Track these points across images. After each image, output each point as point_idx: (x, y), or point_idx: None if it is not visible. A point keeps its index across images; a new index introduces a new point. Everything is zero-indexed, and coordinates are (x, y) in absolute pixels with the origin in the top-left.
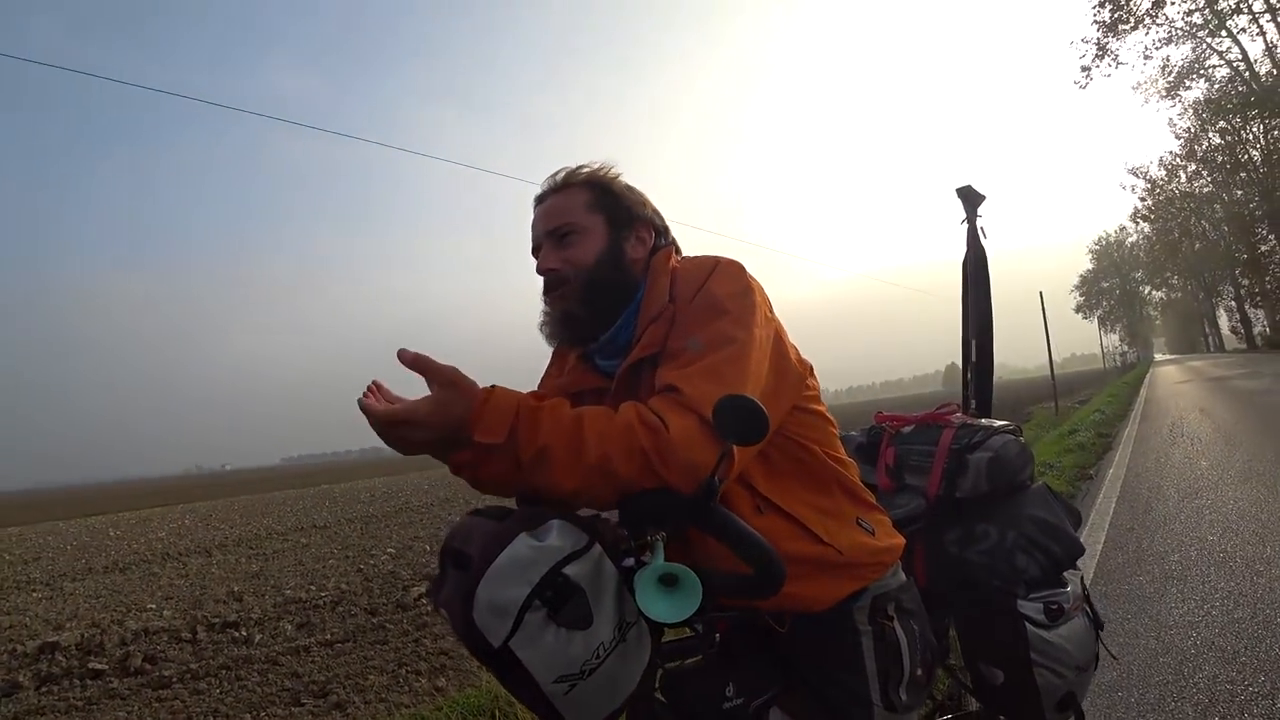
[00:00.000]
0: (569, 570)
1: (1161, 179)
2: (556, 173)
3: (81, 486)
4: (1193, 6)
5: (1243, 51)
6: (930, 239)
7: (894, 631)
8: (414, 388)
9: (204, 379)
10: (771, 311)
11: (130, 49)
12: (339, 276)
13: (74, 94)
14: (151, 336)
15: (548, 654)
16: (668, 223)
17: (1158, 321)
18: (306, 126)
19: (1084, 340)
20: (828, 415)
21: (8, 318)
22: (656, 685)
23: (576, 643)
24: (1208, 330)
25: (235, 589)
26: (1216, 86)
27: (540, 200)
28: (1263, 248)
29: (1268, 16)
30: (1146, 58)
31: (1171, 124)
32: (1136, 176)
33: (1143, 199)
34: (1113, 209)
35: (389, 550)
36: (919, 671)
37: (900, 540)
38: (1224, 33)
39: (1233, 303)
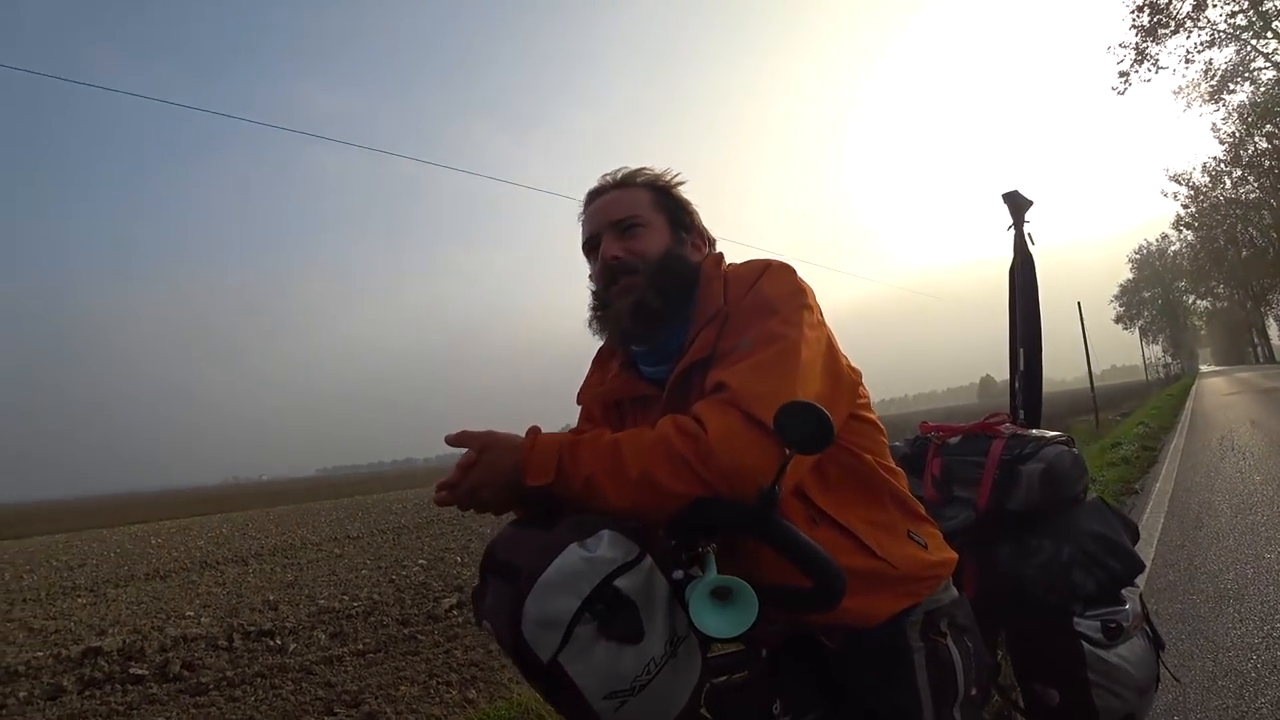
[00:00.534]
0: (620, 583)
1: (1205, 185)
2: (616, 171)
3: (126, 495)
4: (1236, 8)
5: None
6: (962, 245)
7: (947, 649)
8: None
9: (242, 392)
10: (823, 316)
11: (176, 72)
12: (375, 291)
13: (131, 117)
14: (193, 352)
15: (598, 669)
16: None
17: (1202, 332)
18: (353, 145)
19: (1124, 351)
20: (879, 424)
21: (55, 337)
22: (702, 702)
23: (627, 657)
24: (1256, 340)
25: (270, 598)
26: (1262, 89)
27: (598, 194)
28: None
29: None
30: (1188, 62)
31: (1215, 129)
32: (1179, 184)
33: (1185, 206)
34: (1151, 209)
35: (420, 561)
36: (973, 691)
37: (953, 555)
38: (1270, 34)
39: None
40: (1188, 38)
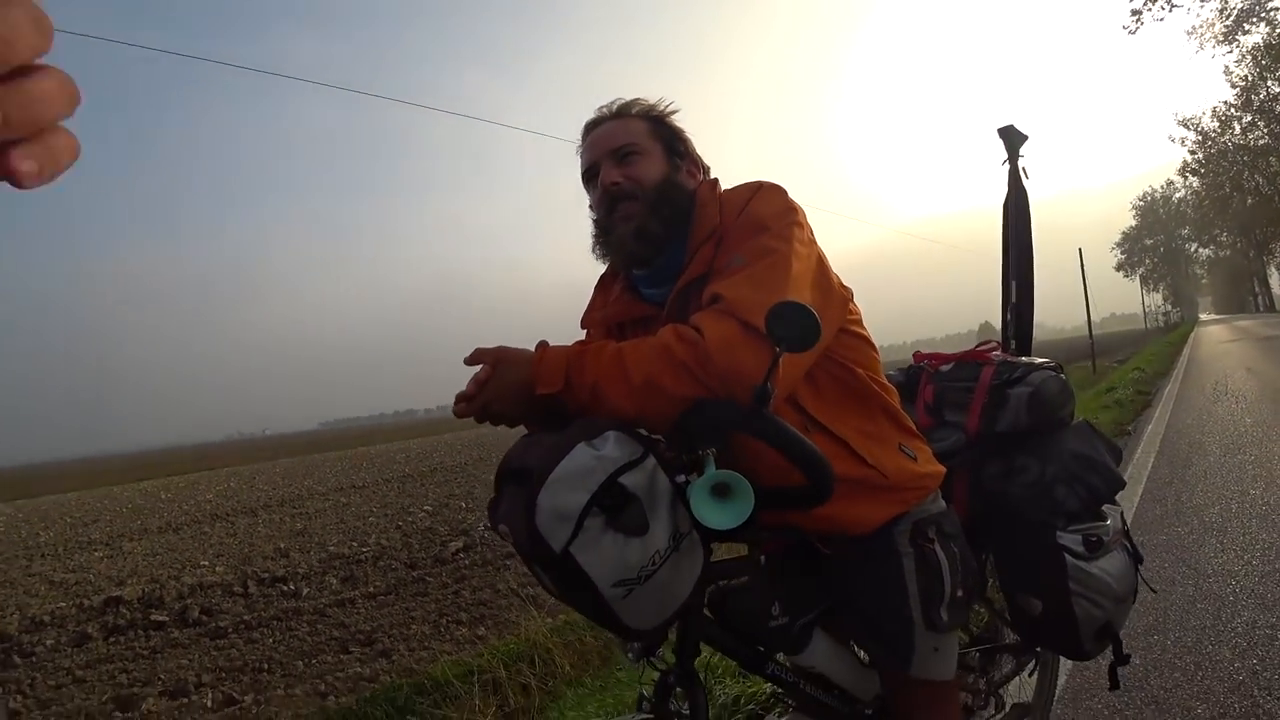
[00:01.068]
0: (625, 479)
1: (1214, 130)
2: (611, 102)
3: (131, 454)
4: None
5: None
6: (957, 194)
7: (935, 553)
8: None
9: (240, 347)
10: (813, 236)
11: (152, 26)
12: (370, 244)
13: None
14: (190, 310)
15: (607, 558)
16: None
17: (1204, 281)
18: (343, 89)
19: (1124, 300)
20: (870, 339)
21: (48, 295)
22: (705, 602)
23: (634, 549)
24: (1258, 289)
25: (282, 546)
26: (1278, 31)
27: (595, 125)
28: None
29: None
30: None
31: (1227, 72)
32: (1187, 128)
33: (1193, 152)
34: (1156, 157)
35: (426, 508)
36: (959, 592)
37: (941, 468)
38: None
39: None
40: None
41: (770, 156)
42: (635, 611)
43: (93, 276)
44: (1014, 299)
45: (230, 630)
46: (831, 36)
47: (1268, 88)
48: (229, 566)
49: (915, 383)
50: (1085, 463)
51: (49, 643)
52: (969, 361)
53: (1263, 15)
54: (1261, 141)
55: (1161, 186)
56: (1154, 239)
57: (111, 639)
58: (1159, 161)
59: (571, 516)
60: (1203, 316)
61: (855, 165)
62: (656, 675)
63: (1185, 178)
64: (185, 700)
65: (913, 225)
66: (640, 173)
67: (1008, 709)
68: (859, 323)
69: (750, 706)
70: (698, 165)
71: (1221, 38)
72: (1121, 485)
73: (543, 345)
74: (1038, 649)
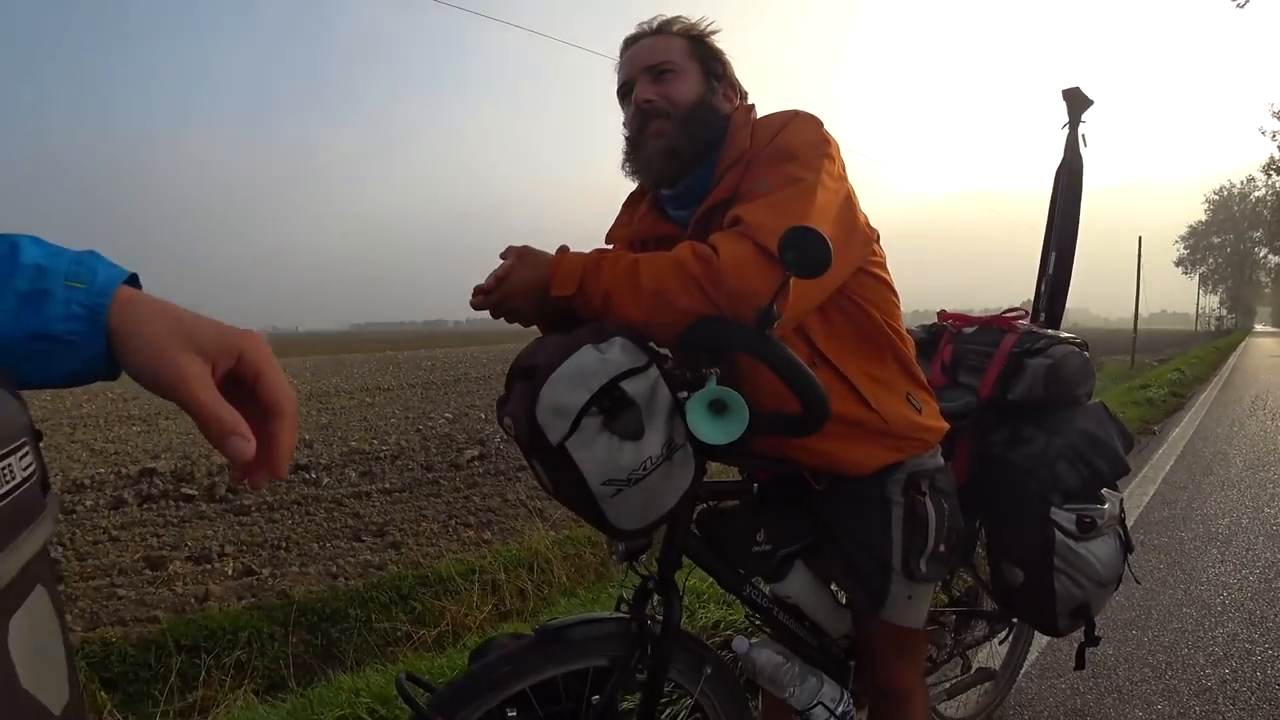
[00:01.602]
0: (626, 385)
1: None
2: (652, 19)
3: None
4: None
5: None
6: (1024, 167)
7: (924, 506)
8: None
9: (283, 244)
10: (845, 172)
11: None
12: (411, 151)
13: None
14: (234, 200)
15: (600, 457)
16: None
17: (1266, 289)
18: None
19: (1178, 298)
20: (892, 284)
21: (103, 186)
22: (693, 518)
23: (627, 452)
24: None
25: (306, 437)
26: None
27: (634, 40)
28: None
29: None
30: None
31: None
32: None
33: None
34: (1239, 158)
35: (446, 415)
36: (941, 547)
37: (944, 425)
38: None
39: None
40: None
41: (836, 97)
42: (621, 511)
43: (138, 161)
44: (1050, 270)
45: (253, 509)
46: None
47: None
48: None
49: (936, 341)
50: (1093, 443)
51: (88, 503)
52: (993, 327)
53: None
54: None
55: (1241, 183)
56: (1222, 238)
57: (145, 505)
58: (1239, 162)
59: (570, 413)
60: (1258, 327)
61: (918, 124)
62: (638, 581)
63: (1269, 175)
64: (208, 566)
65: (969, 194)
66: (674, 91)
67: (973, 671)
68: (882, 266)
69: (728, 632)
70: (735, 89)
71: None
72: (1126, 471)
73: (563, 250)
74: (1013, 620)
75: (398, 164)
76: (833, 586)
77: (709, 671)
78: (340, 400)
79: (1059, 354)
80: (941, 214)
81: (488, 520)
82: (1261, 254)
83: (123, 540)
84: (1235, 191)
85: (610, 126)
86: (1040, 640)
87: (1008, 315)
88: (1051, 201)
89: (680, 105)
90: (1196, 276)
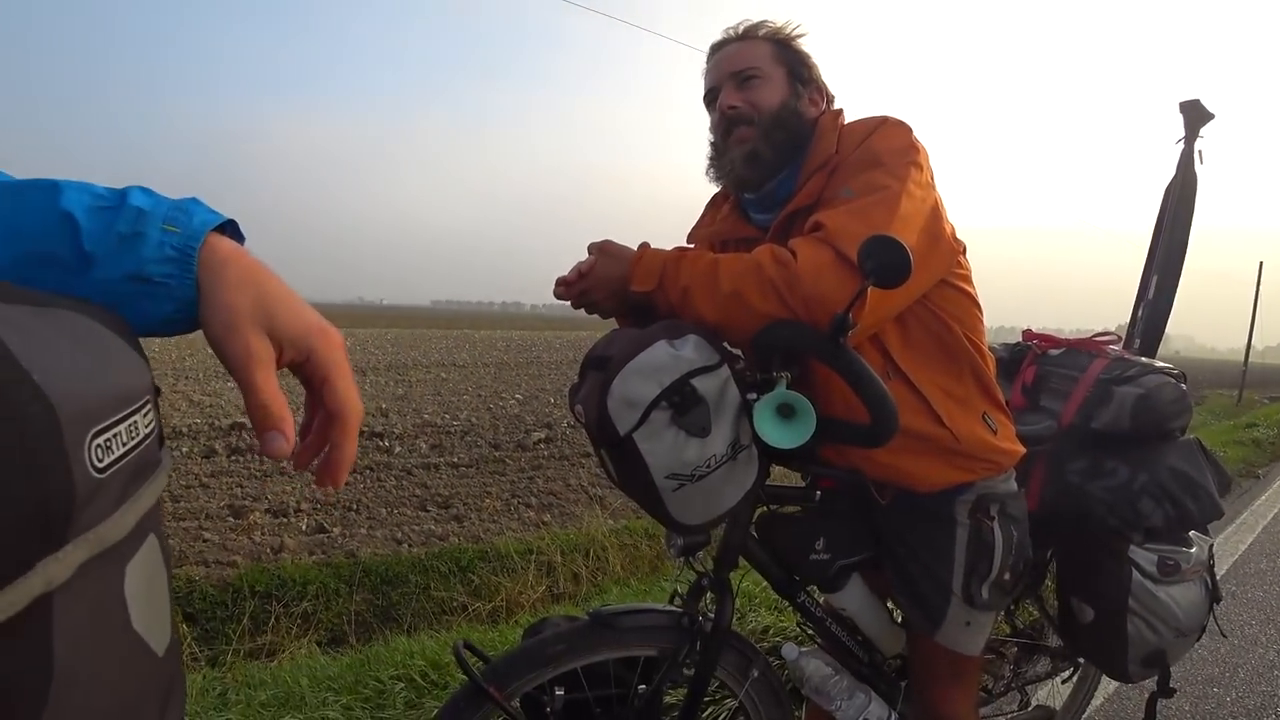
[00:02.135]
0: (697, 382)
1: None
2: (738, 24)
3: None
4: None
5: None
6: (1131, 193)
7: (991, 530)
8: None
9: (374, 218)
10: (933, 180)
11: None
12: (502, 134)
13: None
14: (330, 172)
15: (665, 451)
16: None
17: None
18: None
19: None
20: (976, 299)
21: (201, 154)
22: (753, 520)
23: (692, 448)
24: None
25: (383, 406)
26: None
27: (720, 46)
28: None
29: None
30: None
31: None
32: None
33: None
34: None
35: (517, 396)
36: (1006, 575)
37: (1020, 448)
38: None
39: None
40: None
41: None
42: (683, 506)
43: (235, 135)
44: (1150, 294)
45: None
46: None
47: None
48: None
49: (1018, 361)
50: (1184, 482)
51: (183, 449)
52: (1081, 350)
53: None
54: None
55: None
56: None
57: (232, 457)
58: None
59: (640, 405)
60: None
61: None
62: (693, 576)
63: None
64: (285, 520)
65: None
66: (759, 98)
67: (1031, 708)
68: (967, 279)
69: (776, 639)
70: (821, 93)
71: None
72: (1219, 515)
73: (644, 246)
74: (1079, 660)
75: (487, 148)
76: (889, 604)
77: (756, 674)
78: (417, 374)
79: (1151, 384)
80: (1031, 232)
81: (549, 503)
82: None
83: (211, 488)
84: None
85: (695, 112)
86: (1108, 685)
87: (1099, 339)
88: (1158, 220)
89: (765, 111)
90: None
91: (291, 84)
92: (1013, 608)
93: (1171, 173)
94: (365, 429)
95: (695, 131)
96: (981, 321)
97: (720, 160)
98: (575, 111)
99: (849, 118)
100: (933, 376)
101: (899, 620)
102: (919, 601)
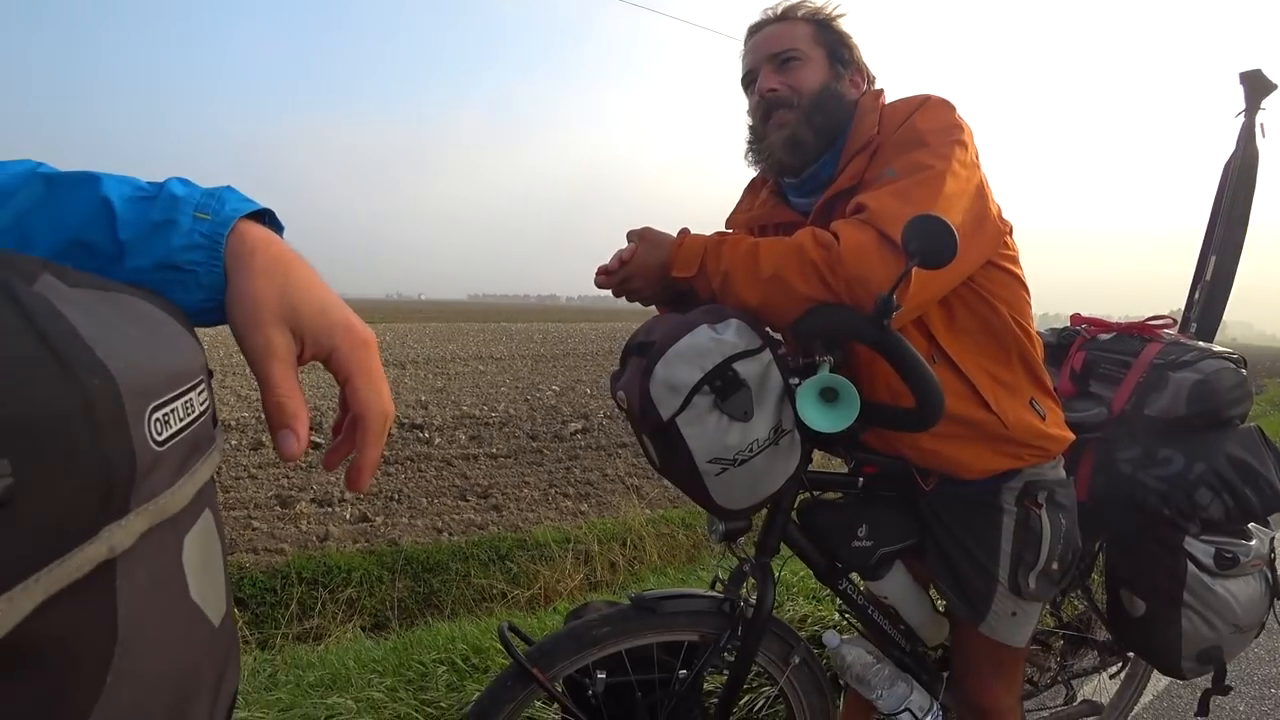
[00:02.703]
0: (739, 366)
1: None
2: (777, 4)
3: None
4: None
5: None
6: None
7: (1039, 519)
8: None
9: (411, 214)
10: (978, 159)
11: None
12: (536, 128)
13: None
14: (368, 174)
15: (707, 434)
16: None
17: None
18: None
19: None
20: (1024, 280)
21: (241, 153)
22: (794, 505)
23: (734, 432)
24: None
25: (422, 398)
26: None
27: (758, 28)
28: None
29: None
30: None
31: None
32: None
33: None
34: None
35: (554, 387)
36: (1054, 565)
37: (1069, 435)
38: None
39: None
40: None
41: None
42: (725, 491)
43: (269, 139)
44: (1208, 276)
45: None
46: None
47: None
48: None
49: (1067, 346)
50: (1244, 471)
51: (232, 442)
52: (1133, 335)
53: None
54: None
55: None
56: None
57: None
58: None
59: (683, 389)
60: None
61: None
62: (734, 563)
63: None
64: (330, 509)
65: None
66: (799, 80)
67: (1077, 702)
68: (1014, 260)
69: (816, 628)
70: (862, 73)
71: None
72: None
73: (684, 232)
74: (1129, 654)
75: (520, 143)
76: (933, 593)
77: (796, 661)
78: (455, 366)
79: (1209, 369)
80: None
81: (586, 492)
82: None
83: (259, 479)
84: None
85: (727, 102)
86: (1158, 682)
87: (1152, 323)
88: (1216, 198)
89: (805, 94)
90: None
91: (328, 89)
92: (1059, 600)
93: (1231, 148)
94: (405, 421)
95: (727, 119)
96: (1029, 304)
97: (759, 145)
98: (606, 103)
99: (890, 98)
100: (979, 361)
101: (942, 609)
102: (963, 591)
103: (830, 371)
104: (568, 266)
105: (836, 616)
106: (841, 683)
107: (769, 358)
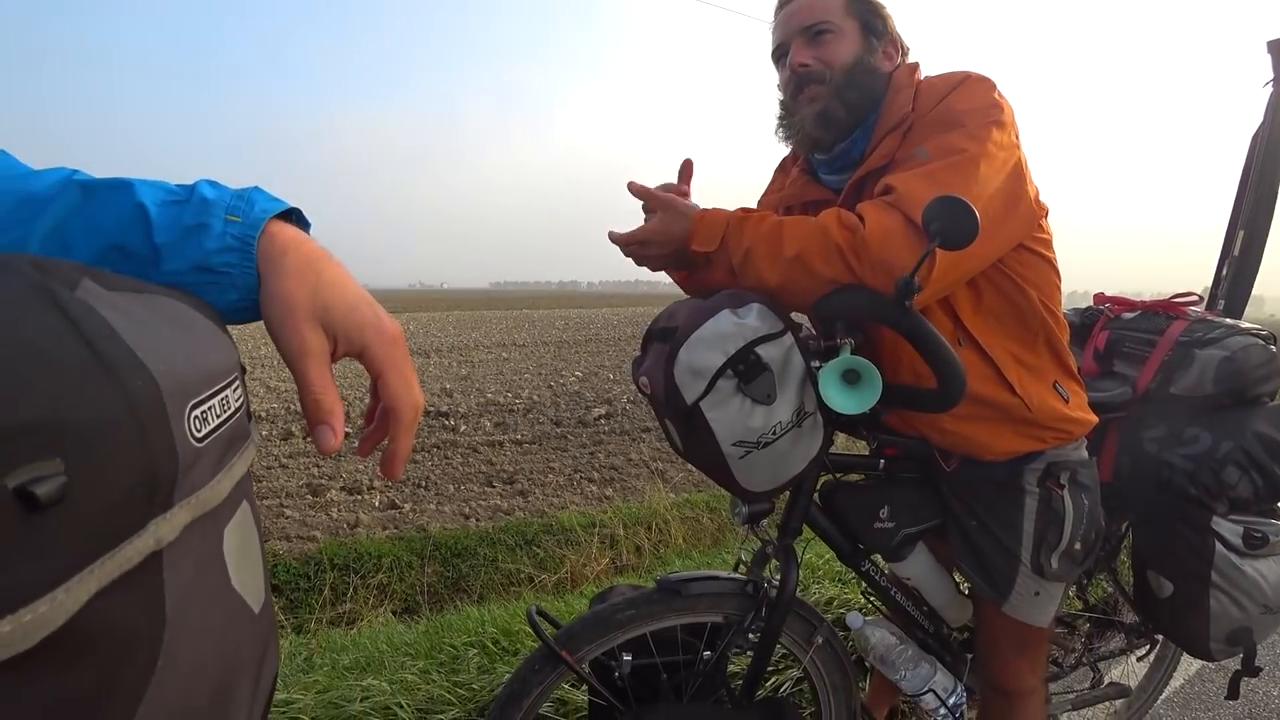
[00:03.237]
0: (761, 350)
1: None
2: None
3: None
4: None
5: None
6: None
7: (1061, 499)
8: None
9: (432, 205)
10: (1017, 139)
11: None
12: (557, 116)
13: None
14: (388, 163)
15: (731, 419)
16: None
17: None
18: None
19: None
20: (1056, 265)
21: (275, 148)
22: (817, 488)
23: (758, 415)
24: None
25: (447, 386)
26: None
27: (787, 1)
28: None
29: None
30: None
31: None
32: None
33: None
34: None
35: (577, 373)
36: (1077, 545)
37: (1093, 417)
38: None
39: None
40: None
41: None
42: (749, 473)
43: (301, 129)
44: (1237, 251)
45: None
46: None
47: None
48: None
49: (1090, 326)
50: (1273, 449)
51: (263, 433)
52: (1158, 313)
53: None
54: None
55: None
56: None
57: (309, 439)
58: None
59: (706, 374)
60: None
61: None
62: (758, 545)
63: None
64: (359, 497)
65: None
66: (831, 54)
67: (1104, 684)
68: (1047, 244)
69: (840, 610)
70: (897, 46)
71: None
72: None
73: (705, 209)
74: (1157, 637)
75: (539, 131)
76: (956, 575)
77: (820, 642)
78: (479, 354)
79: (1237, 345)
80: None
81: (610, 477)
82: None
83: (290, 468)
84: None
85: (753, 85)
86: (1189, 665)
87: (1176, 299)
88: (1244, 170)
89: (837, 68)
90: None
91: (355, 83)
92: (1085, 581)
93: (1259, 118)
94: (431, 409)
95: (753, 103)
96: (1059, 289)
97: (790, 120)
98: (625, 89)
99: (926, 72)
100: (1004, 343)
101: (965, 591)
102: (986, 571)
103: (852, 354)
104: (588, 253)
105: (861, 599)
106: (867, 664)
107: (790, 341)
